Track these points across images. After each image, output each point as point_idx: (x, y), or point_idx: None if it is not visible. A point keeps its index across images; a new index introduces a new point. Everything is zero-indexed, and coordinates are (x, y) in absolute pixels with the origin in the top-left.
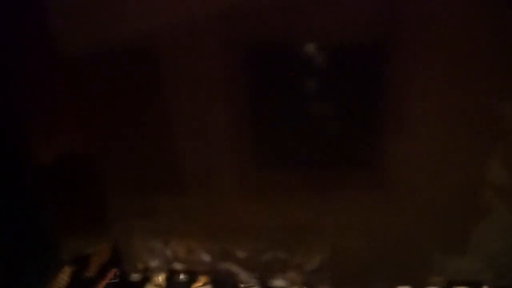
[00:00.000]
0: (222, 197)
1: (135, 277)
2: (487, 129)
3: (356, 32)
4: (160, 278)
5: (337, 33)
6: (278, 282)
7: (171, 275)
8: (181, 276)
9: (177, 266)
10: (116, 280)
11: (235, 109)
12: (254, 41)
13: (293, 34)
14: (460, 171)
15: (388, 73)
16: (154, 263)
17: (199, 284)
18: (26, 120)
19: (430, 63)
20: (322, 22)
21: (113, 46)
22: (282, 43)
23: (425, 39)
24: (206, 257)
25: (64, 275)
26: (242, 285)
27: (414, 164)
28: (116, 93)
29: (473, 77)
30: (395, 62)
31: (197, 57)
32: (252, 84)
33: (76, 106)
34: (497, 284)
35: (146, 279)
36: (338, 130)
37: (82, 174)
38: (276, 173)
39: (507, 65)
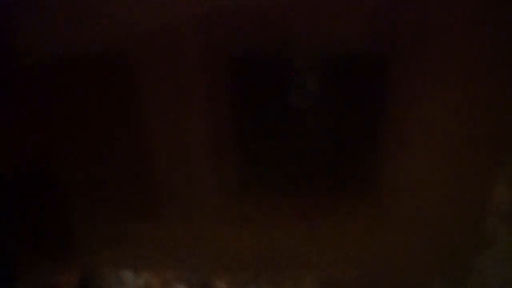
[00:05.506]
0: (202, 223)
1: None
2: (494, 152)
3: (353, 42)
4: None
5: (333, 42)
6: None
7: None
8: None
9: None
10: None
11: (218, 126)
12: (242, 49)
13: (284, 44)
14: (464, 196)
15: (387, 88)
16: None
17: None
18: None
19: (434, 78)
20: (318, 29)
21: (83, 50)
22: (271, 52)
23: (429, 50)
24: None
25: None
26: None
27: (414, 188)
28: (85, 107)
29: (481, 96)
30: (395, 75)
31: (175, 66)
32: (237, 100)
33: (39, 120)
34: None
35: None
36: (331, 149)
37: (45, 195)
38: (262, 197)
39: None
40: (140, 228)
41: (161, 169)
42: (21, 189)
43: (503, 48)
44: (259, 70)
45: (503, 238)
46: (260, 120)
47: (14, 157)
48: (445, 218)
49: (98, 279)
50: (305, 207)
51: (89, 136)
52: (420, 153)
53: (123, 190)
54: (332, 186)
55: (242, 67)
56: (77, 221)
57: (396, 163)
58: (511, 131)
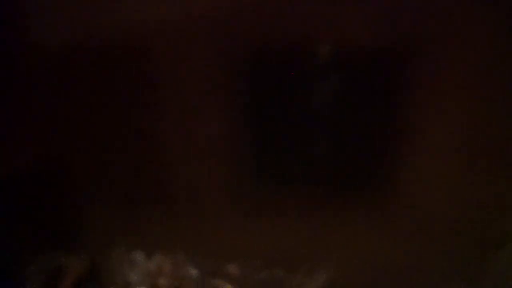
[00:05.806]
0: (214, 211)
1: None
2: (509, 152)
3: (366, 39)
4: None
5: (346, 39)
6: None
7: None
8: None
9: (162, 281)
10: None
11: (230, 117)
12: (255, 44)
13: (298, 40)
14: (478, 196)
15: (399, 85)
16: (135, 277)
17: None
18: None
19: (450, 77)
20: (332, 25)
21: (97, 41)
22: (284, 48)
23: (448, 46)
24: (194, 273)
25: None
26: None
27: (427, 186)
28: (96, 95)
29: (498, 94)
30: (406, 72)
31: (189, 59)
32: (249, 93)
33: (51, 108)
34: None
35: None
36: (343, 145)
37: (57, 180)
38: (273, 187)
39: None
40: (153, 212)
41: (173, 158)
42: (38, 175)
43: None
44: (271, 66)
45: None
46: (273, 114)
47: (30, 145)
48: (461, 218)
49: (110, 261)
50: (317, 200)
51: (105, 127)
52: (435, 151)
53: (136, 176)
54: (348, 182)
55: (256, 63)
56: (92, 206)
57: (410, 162)
58: None
